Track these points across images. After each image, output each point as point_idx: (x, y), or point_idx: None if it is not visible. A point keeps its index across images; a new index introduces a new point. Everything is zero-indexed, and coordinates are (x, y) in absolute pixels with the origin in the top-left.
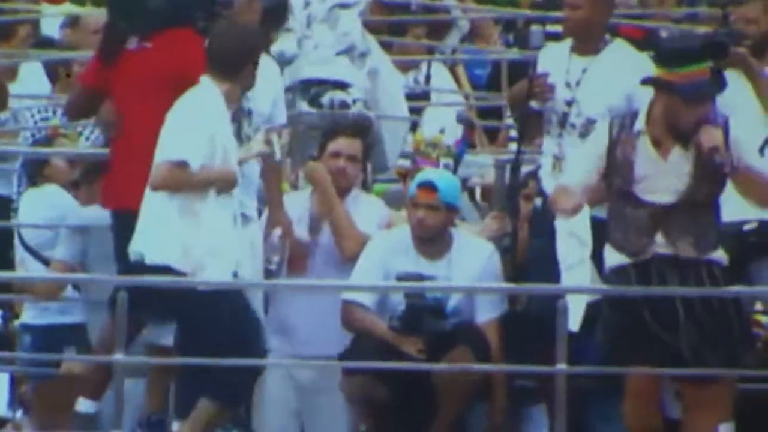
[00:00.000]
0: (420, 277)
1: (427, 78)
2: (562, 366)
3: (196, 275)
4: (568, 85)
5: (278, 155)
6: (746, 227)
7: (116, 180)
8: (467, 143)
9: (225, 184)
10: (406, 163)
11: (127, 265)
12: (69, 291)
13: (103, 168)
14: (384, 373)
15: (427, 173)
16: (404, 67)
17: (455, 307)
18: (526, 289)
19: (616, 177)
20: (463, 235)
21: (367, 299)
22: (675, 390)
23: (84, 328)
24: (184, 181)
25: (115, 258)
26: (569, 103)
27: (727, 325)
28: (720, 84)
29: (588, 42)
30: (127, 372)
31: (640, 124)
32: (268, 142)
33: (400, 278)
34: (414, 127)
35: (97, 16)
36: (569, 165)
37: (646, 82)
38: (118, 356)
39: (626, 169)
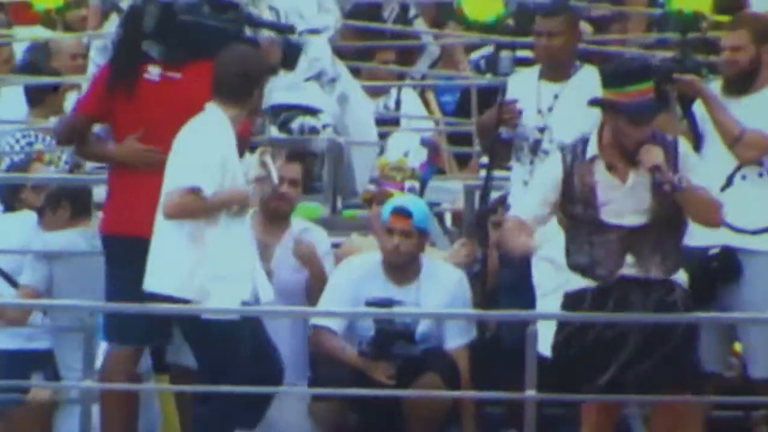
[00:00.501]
0: (390, 303)
1: (397, 103)
2: (531, 392)
3: (201, 303)
4: (539, 111)
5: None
6: (710, 253)
7: (122, 206)
8: (433, 166)
9: (240, 206)
10: (372, 187)
11: (115, 292)
12: (37, 317)
13: (68, 194)
14: (353, 398)
15: (399, 199)
16: (374, 93)
17: (424, 333)
18: (496, 315)
19: (576, 205)
20: (432, 261)
21: (336, 325)
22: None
23: (51, 354)
24: (199, 208)
25: (107, 284)
26: (541, 130)
27: (677, 348)
28: (664, 103)
29: (559, 68)
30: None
31: (592, 149)
32: (264, 165)
33: (369, 304)
34: (383, 152)
35: (69, 40)
36: (519, 198)
37: (593, 103)
38: (88, 383)
39: (588, 196)
